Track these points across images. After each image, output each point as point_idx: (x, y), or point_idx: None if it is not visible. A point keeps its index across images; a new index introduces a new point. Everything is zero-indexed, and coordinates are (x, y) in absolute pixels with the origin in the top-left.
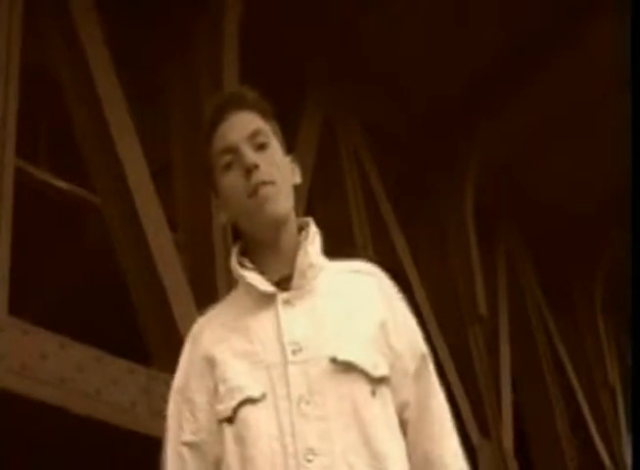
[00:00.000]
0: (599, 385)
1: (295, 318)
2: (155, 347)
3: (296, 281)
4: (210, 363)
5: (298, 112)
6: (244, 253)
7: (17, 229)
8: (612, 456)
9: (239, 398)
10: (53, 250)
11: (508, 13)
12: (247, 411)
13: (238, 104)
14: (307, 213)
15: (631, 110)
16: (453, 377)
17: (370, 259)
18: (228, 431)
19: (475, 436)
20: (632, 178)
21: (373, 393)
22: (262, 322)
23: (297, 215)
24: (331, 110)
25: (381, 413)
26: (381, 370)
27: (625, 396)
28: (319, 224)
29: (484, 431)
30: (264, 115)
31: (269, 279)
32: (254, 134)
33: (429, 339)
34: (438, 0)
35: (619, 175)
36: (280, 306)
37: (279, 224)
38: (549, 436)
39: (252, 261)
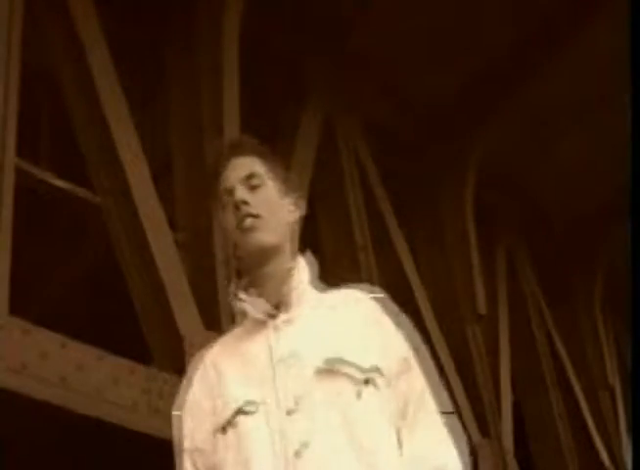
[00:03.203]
0: (599, 385)
1: (286, 337)
2: (155, 346)
3: (286, 305)
4: (213, 382)
5: (299, 112)
6: (247, 284)
7: (17, 229)
8: (612, 456)
9: (233, 408)
10: (53, 249)
11: (507, 13)
12: (239, 420)
13: (237, 151)
14: (307, 214)
15: (631, 109)
16: (453, 377)
17: (370, 261)
18: (222, 440)
19: (475, 436)
20: (632, 178)
21: (359, 393)
22: (257, 342)
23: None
24: (331, 110)
25: (369, 412)
26: (364, 372)
27: (625, 396)
28: (319, 224)
29: (484, 431)
30: (262, 158)
31: (267, 302)
32: (249, 177)
33: (429, 339)
34: (438, 0)
35: (619, 175)
36: (273, 328)
37: (263, 253)
38: (549, 436)
39: (252, 287)
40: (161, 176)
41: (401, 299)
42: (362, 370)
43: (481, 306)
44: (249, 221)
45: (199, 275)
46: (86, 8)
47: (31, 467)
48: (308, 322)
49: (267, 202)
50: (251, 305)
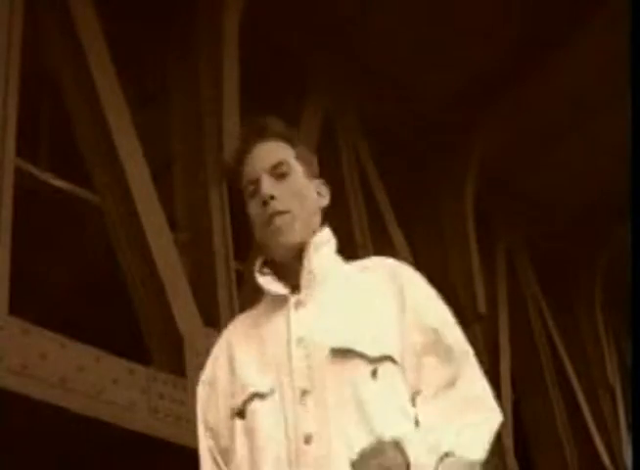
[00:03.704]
0: (599, 385)
1: (303, 317)
2: (155, 347)
3: (304, 283)
4: (230, 362)
5: (298, 111)
6: (267, 262)
7: (17, 229)
8: (612, 456)
9: (248, 392)
10: (53, 250)
11: (507, 13)
12: (255, 405)
13: (261, 135)
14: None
15: (631, 109)
16: None
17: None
18: (239, 424)
19: None
20: (632, 177)
21: (374, 372)
22: (276, 322)
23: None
24: (331, 109)
25: (382, 391)
26: (380, 349)
27: (625, 396)
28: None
29: None
30: (288, 142)
31: (285, 283)
32: (275, 166)
33: None
34: (439, 0)
35: (619, 174)
36: (292, 307)
37: (294, 251)
38: (549, 436)
39: (273, 268)
40: (161, 176)
41: None
42: (370, 360)
43: (481, 306)
44: (278, 221)
45: (199, 275)
46: (86, 8)
47: (31, 467)
48: (323, 304)
49: (296, 192)
50: (269, 284)
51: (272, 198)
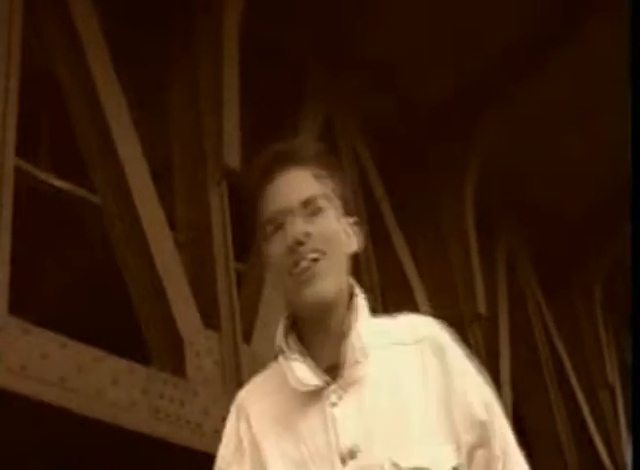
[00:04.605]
0: (599, 385)
1: (344, 420)
2: (155, 347)
3: (343, 374)
4: (259, 456)
5: (298, 110)
6: (294, 325)
7: (17, 229)
8: (612, 456)
9: None
10: (53, 249)
11: (507, 13)
12: None
13: (287, 161)
14: None
15: (631, 108)
16: None
17: (370, 261)
18: None
19: None
20: (632, 176)
21: None
22: (310, 420)
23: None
24: (330, 109)
25: None
26: (444, 465)
27: (625, 396)
28: None
29: None
30: (319, 169)
31: (318, 365)
32: (306, 203)
33: None
34: (438, 1)
35: (619, 174)
36: (327, 405)
37: (324, 307)
38: (549, 436)
39: (302, 338)
40: (161, 176)
41: (401, 299)
42: (440, 465)
43: (481, 306)
44: (308, 269)
45: (199, 275)
46: (86, 8)
47: (31, 467)
48: (372, 392)
49: (328, 233)
50: (299, 370)
51: (299, 244)
